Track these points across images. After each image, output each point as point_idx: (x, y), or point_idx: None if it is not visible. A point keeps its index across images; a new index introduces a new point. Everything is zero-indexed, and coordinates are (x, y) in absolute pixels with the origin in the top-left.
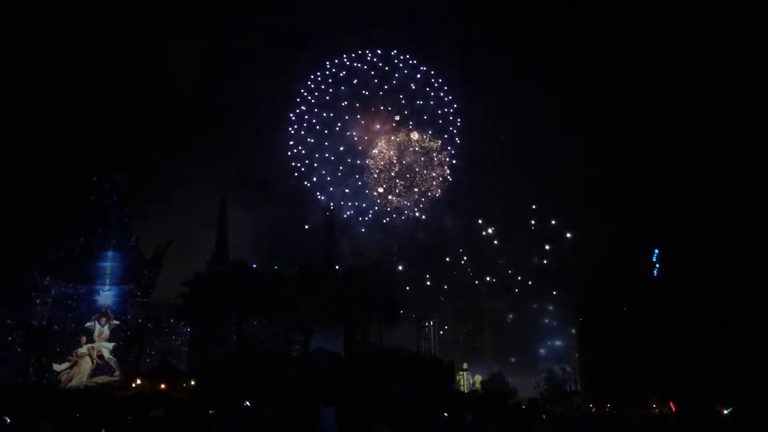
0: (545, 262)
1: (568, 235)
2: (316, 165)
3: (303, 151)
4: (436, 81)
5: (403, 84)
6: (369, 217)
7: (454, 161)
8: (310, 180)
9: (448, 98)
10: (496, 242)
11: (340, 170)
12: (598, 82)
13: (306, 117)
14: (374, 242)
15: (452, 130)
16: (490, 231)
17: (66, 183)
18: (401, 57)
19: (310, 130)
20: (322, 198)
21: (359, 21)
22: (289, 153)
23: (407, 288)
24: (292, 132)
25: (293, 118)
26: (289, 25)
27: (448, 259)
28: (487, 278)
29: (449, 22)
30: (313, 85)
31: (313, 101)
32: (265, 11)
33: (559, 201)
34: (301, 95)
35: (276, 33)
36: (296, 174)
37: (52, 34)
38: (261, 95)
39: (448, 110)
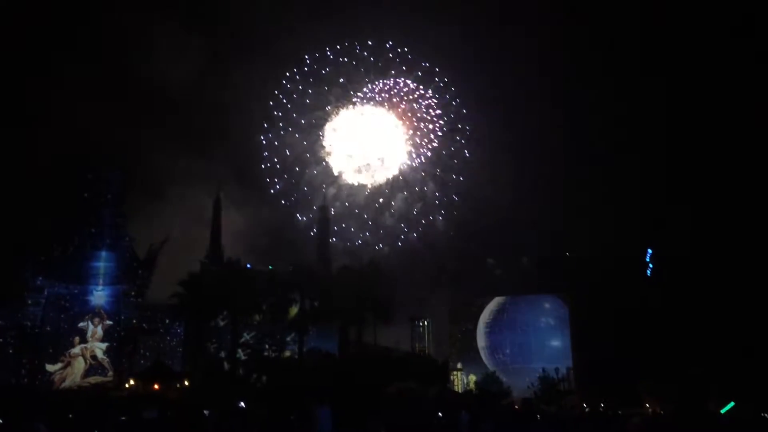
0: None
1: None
2: (294, 181)
3: (278, 166)
4: (441, 81)
5: (397, 83)
6: (359, 242)
7: (461, 177)
8: (288, 198)
9: (455, 102)
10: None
11: (323, 187)
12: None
13: (281, 124)
14: (366, 243)
15: (459, 140)
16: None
17: (59, 182)
18: (397, 50)
19: (286, 139)
20: (304, 219)
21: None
22: (263, 166)
23: (401, 287)
24: (264, 142)
25: (265, 126)
26: (286, 21)
27: (440, 259)
28: (479, 280)
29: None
30: (289, 85)
31: (289, 105)
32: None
33: (556, 201)
34: (275, 97)
35: (272, 31)
36: (272, 191)
37: (49, 31)
38: (254, 93)
39: (454, 116)
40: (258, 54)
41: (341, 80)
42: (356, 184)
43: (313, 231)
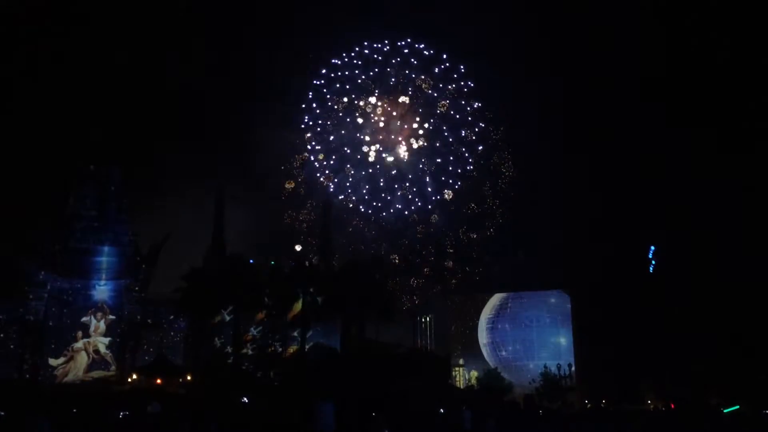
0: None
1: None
2: (297, 177)
3: (280, 161)
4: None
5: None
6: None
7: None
8: (291, 193)
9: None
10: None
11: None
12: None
13: (284, 118)
14: (367, 239)
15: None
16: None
17: (62, 177)
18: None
19: (290, 134)
20: (306, 214)
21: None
22: (265, 162)
23: (403, 284)
24: (267, 138)
25: (269, 121)
26: (288, 16)
27: (440, 255)
28: (478, 275)
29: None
30: (293, 80)
31: (292, 100)
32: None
33: (556, 196)
34: (279, 93)
35: (274, 27)
36: (274, 187)
37: (51, 28)
38: (258, 89)
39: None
40: (262, 50)
41: (340, 74)
42: (359, 179)
43: (315, 227)
